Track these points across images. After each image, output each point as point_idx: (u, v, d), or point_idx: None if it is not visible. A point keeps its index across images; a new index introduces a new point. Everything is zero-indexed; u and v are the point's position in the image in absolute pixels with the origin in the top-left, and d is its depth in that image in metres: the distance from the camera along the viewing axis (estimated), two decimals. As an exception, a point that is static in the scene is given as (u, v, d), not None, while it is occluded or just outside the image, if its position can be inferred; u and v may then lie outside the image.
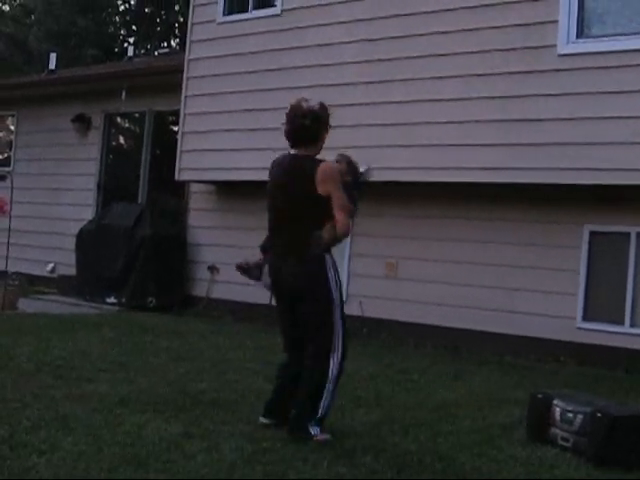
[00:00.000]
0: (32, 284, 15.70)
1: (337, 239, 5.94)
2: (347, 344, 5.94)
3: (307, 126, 5.98)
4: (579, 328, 10.61)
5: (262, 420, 6.08)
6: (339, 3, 12.35)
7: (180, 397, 6.84)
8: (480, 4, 11.03)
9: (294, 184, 5.95)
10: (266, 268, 6.21)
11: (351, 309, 11.68)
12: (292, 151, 6.12)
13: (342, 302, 5.96)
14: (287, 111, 6.10)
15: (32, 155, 18.22)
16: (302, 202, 5.90)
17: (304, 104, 6.05)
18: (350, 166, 6.42)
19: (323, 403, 5.80)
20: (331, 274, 5.89)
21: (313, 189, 5.81)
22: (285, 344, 6.22)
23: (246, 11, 13.67)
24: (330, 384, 5.81)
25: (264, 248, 6.30)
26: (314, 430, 5.75)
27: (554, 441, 6.07)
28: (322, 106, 6.08)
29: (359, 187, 6.46)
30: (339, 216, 5.82)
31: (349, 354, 5.96)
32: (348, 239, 11.89)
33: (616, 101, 9.95)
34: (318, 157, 6.03)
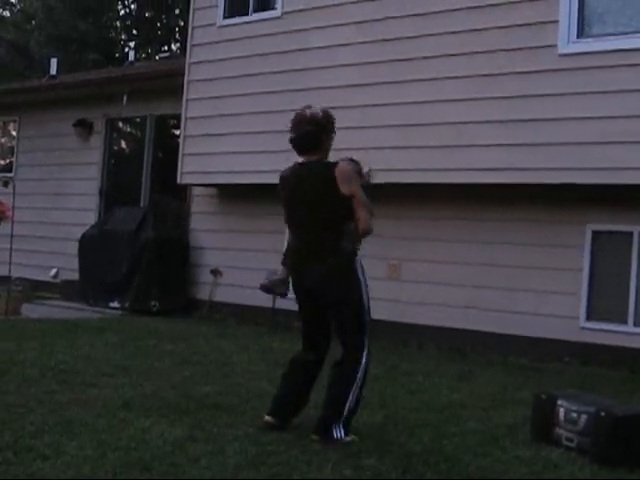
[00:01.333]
0: (35, 289, 15.69)
1: (361, 236, 6.04)
2: (369, 345, 6.06)
3: (311, 132, 6.04)
4: (583, 328, 10.61)
5: (267, 418, 6.08)
6: (340, 5, 12.35)
7: (184, 400, 6.84)
8: (481, 4, 11.03)
9: (315, 190, 6.00)
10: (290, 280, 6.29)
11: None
12: (300, 159, 6.17)
13: (369, 305, 6.11)
14: (292, 119, 6.16)
15: (34, 160, 18.24)
16: (327, 206, 5.96)
17: (308, 111, 6.11)
18: (357, 168, 6.43)
19: (348, 405, 5.84)
20: (361, 276, 6.05)
21: (336, 191, 5.88)
22: (306, 344, 6.25)
23: (246, 14, 13.67)
24: (357, 387, 5.88)
25: (285, 262, 6.32)
26: (337, 433, 5.79)
27: (558, 441, 6.06)
28: (325, 112, 6.14)
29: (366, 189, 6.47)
30: (361, 213, 5.92)
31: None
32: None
33: (618, 100, 9.95)
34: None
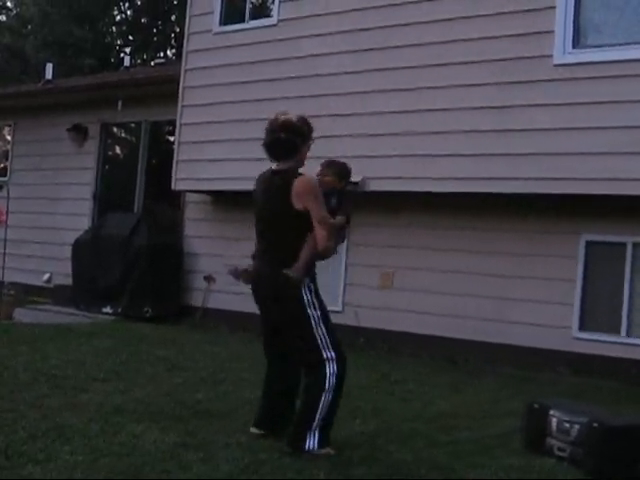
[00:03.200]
0: (28, 294, 15.66)
1: (319, 255, 5.84)
2: (343, 357, 5.82)
3: (282, 139, 5.90)
4: (575, 338, 10.61)
5: (253, 430, 6.07)
6: (335, 13, 12.36)
7: (176, 407, 6.83)
8: (476, 14, 11.05)
9: (272, 201, 5.89)
10: None
11: (347, 319, 11.72)
12: (273, 166, 6.04)
13: (326, 321, 5.80)
14: (266, 124, 6.05)
15: (29, 165, 18.22)
16: (281, 218, 5.82)
17: (281, 117, 5.96)
18: (342, 172, 6.29)
19: (319, 415, 5.65)
20: (305, 294, 5.76)
21: (290, 204, 5.72)
22: (265, 349, 6.25)
23: (242, 21, 13.69)
24: (326, 395, 5.67)
25: (254, 257, 6.23)
26: (310, 444, 5.63)
27: (550, 451, 6.06)
28: (300, 119, 5.97)
29: (351, 195, 6.37)
30: (318, 231, 5.71)
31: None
32: (343, 248, 11.96)
33: (612, 111, 9.96)
34: (300, 171, 5.93)
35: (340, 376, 5.75)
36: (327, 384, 5.67)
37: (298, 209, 5.71)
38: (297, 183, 5.74)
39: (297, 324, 5.78)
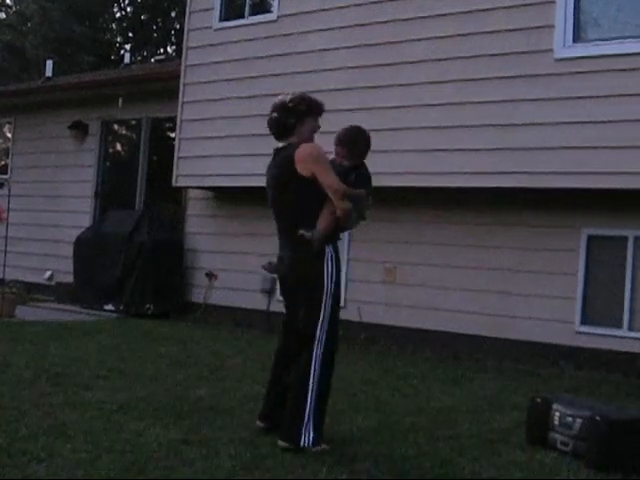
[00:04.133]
0: (30, 292, 15.69)
1: (341, 223, 5.74)
2: (334, 343, 5.75)
3: (274, 119, 5.90)
4: (578, 332, 10.61)
5: (258, 424, 6.07)
6: (335, 9, 12.36)
7: (178, 404, 6.83)
8: (476, 9, 11.04)
9: (278, 174, 5.86)
10: None
11: (349, 314, 11.71)
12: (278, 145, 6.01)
13: (335, 297, 5.72)
14: None
15: (29, 162, 18.23)
16: (288, 189, 5.78)
17: (279, 97, 5.96)
18: (353, 144, 6.10)
19: (309, 407, 5.58)
20: (328, 267, 5.68)
21: (295, 174, 5.67)
22: (283, 331, 6.12)
23: (242, 17, 13.68)
24: (314, 384, 5.60)
25: None
26: (305, 440, 5.56)
27: (553, 445, 6.06)
28: (297, 97, 5.93)
29: (369, 175, 6.21)
30: (334, 200, 5.63)
31: (348, 360, 5.91)
32: (345, 244, 11.96)
33: (614, 105, 9.95)
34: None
35: (325, 363, 5.66)
36: (311, 370, 5.60)
37: (305, 176, 5.65)
38: (299, 150, 5.71)
39: (310, 291, 5.69)
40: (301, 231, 5.65)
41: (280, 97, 5.97)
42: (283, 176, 5.80)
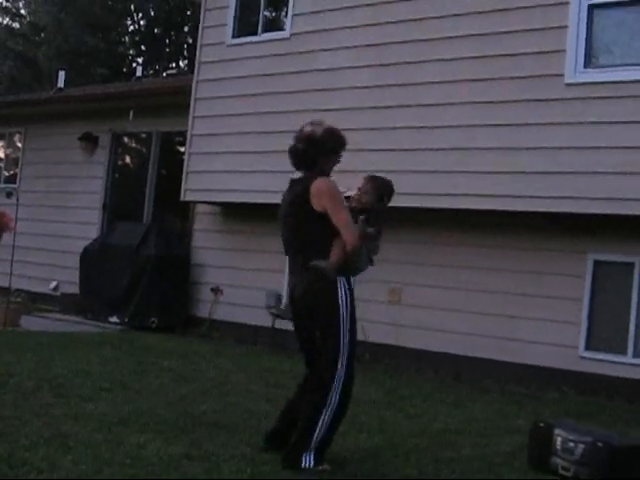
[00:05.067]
0: (35, 302, 15.68)
1: (350, 260, 5.73)
2: (352, 376, 5.73)
3: (301, 150, 5.84)
4: (582, 357, 10.59)
5: (262, 445, 6.04)
6: (347, 28, 12.40)
7: (181, 418, 6.82)
8: (488, 32, 11.07)
9: (292, 206, 5.84)
10: None
11: (354, 333, 11.66)
12: (295, 175, 6.00)
13: (353, 332, 5.72)
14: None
15: (38, 172, 18.27)
16: (301, 222, 5.78)
17: (308, 127, 5.90)
18: (381, 189, 6.16)
19: (317, 434, 5.56)
20: (342, 298, 5.66)
21: (310, 207, 5.67)
22: (305, 360, 6.06)
23: (255, 34, 13.73)
24: (327, 415, 5.58)
25: None
26: (306, 462, 5.54)
27: (555, 470, 6.05)
28: (326, 131, 5.89)
29: (385, 211, 6.23)
30: (343, 233, 5.62)
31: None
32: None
33: (623, 131, 9.97)
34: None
35: (343, 397, 5.65)
36: (330, 400, 5.59)
37: (318, 211, 5.65)
38: (315, 183, 5.69)
39: (327, 322, 5.67)
40: (314, 262, 5.66)
41: (308, 128, 5.91)
42: (297, 209, 5.79)
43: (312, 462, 5.55)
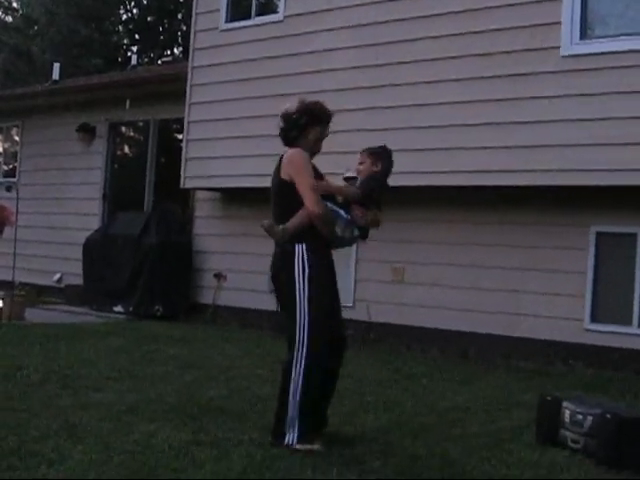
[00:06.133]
0: (39, 294, 15.70)
1: (321, 227, 5.72)
2: (321, 346, 5.64)
3: (282, 129, 6.01)
4: (587, 330, 10.59)
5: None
6: (341, 8, 12.35)
7: (189, 405, 6.83)
8: (482, 6, 11.03)
9: (272, 179, 5.97)
10: None
11: (358, 314, 11.71)
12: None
13: (318, 298, 5.65)
14: None
15: (37, 165, 18.26)
16: (277, 195, 5.91)
17: (285, 107, 6.02)
18: (375, 153, 6.13)
19: (293, 408, 5.58)
20: (298, 266, 5.69)
21: (281, 179, 5.81)
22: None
23: (249, 18, 13.69)
24: (296, 387, 5.58)
25: None
26: (289, 438, 5.58)
27: (564, 443, 6.06)
28: (301, 106, 5.98)
29: (382, 182, 6.20)
30: (305, 201, 5.67)
31: (357, 360, 5.90)
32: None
33: (620, 102, 9.93)
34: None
35: (308, 365, 5.60)
36: (294, 370, 5.60)
37: (286, 180, 5.76)
38: (286, 154, 5.85)
39: (287, 291, 5.73)
40: (280, 226, 5.72)
41: (287, 106, 6.02)
42: (275, 184, 5.92)
43: (295, 439, 5.59)
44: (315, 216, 5.68)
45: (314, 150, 6.01)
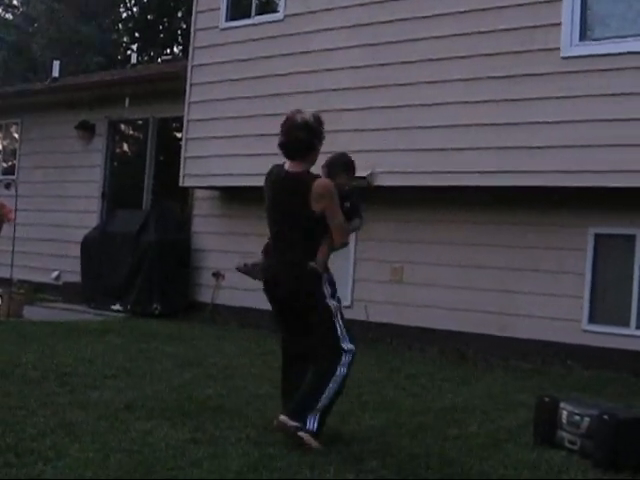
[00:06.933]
0: (37, 292, 15.69)
1: (336, 247, 6.02)
2: (355, 348, 5.93)
3: (301, 139, 5.91)
4: (585, 331, 10.59)
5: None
6: (341, 8, 12.35)
7: (186, 403, 6.83)
8: (483, 7, 11.03)
9: (291, 203, 5.93)
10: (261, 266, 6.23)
11: (356, 314, 11.71)
12: (287, 164, 6.03)
13: (340, 309, 5.96)
14: (282, 123, 6.01)
15: (36, 163, 18.25)
16: (299, 220, 5.91)
17: (299, 116, 5.95)
18: (348, 167, 6.26)
19: (323, 400, 5.71)
20: (326, 288, 5.91)
21: (309, 207, 5.80)
22: (284, 350, 6.27)
23: (249, 17, 13.69)
24: (335, 383, 5.76)
25: (266, 251, 6.23)
26: (311, 424, 5.66)
27: (561, 444, 6.06)
28: (316, 117, 5.99)
29: (361, 193, 6.33)
30: (335, 234, 5.89)
31: (355, 359, 5.94)
32: (352, 244, 11.95)
33: (620, 103, 9.94)
34: (313, 172, 5.97)
35: (349, 370, 5.86)
36: (338, 371, 5.78)
37: (317, 211, 5.79)
38: (316, 186, 5.81)
39: (320, 316, 5.89)
40: (311, 263, 5.85)
41: (299, 116, 5.96)
42: (296, 207, 5.90)
43: (315, 427, 5.68)
44: (342, 245, 6.03)
45: (313, 165, 6.05)
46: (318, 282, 5.89)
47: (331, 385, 5.75)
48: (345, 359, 5.83)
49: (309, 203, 5.79)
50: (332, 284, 5.98)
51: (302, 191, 5.82)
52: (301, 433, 5.60)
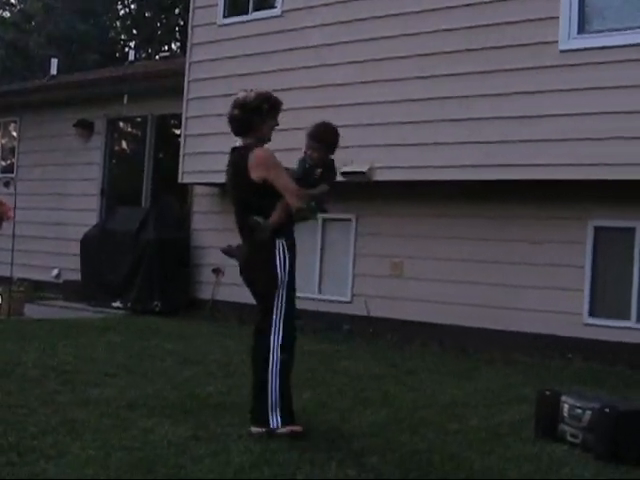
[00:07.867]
0: (37, 290, 15.70)
1: (297, 216, 5.95)
2: (290, 332, 5.87)
3: (236, 116, 6.00)
4: (586, 324, 10.59)
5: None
6: (339, 3, 12.34)
7: (187, 400, 6.83)
8: (480, 1, 11.02)
9: (234, 176, 6.05)
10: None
11: (356, 309, 11.71)
12: (237, 142, 6.13)
13: (290, 286, 5.90)
14: None
15: (35, 161, 18.25)
16: (243, 192, 5.98)
17: (241, 94, 6.03)
18: (328, 141, 6.15)
19: (271, 388, 5.74)
20: (279, 258, 5.86)
21: (248, 177, 5.83)
22: None
23: (246, 13, 13.67)
24: (273, 374, 5.75)
25: None
26: (273, 422, 5.72)
27: (563, 437, 6.06)
28: (260, 95, 6.00)
29: (333, 164, 6.27)
30: (288, 199, 5.81)
31: (356, 355, 5.93)
32: (352, 239, 11.94)
33: (618, 96, 9.92)
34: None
35: (284, 351, 5.81)
36: (271, 357, 5.76)
37: (256, 181, 5.82)
38: (253, 155, 5.86)
39: (264, 285, 5.89)
40: (255, 218, 5.87)
41: (242, 94, 6.04)
42: (237, 180, 6.00)
43: (279, 423, 5.74)
44: (301, 211, 5.90)
45: (268, 139, 6.07)
46: (271, 248, 5.86)
47: (271, 378, 5.74)
48: (275, 341, 5.78)
49: (248, 175, 5.83)
50: (287, 254, 5.88)
51: (242, 164, 5.89)
52: (272, 433, 5.69)
